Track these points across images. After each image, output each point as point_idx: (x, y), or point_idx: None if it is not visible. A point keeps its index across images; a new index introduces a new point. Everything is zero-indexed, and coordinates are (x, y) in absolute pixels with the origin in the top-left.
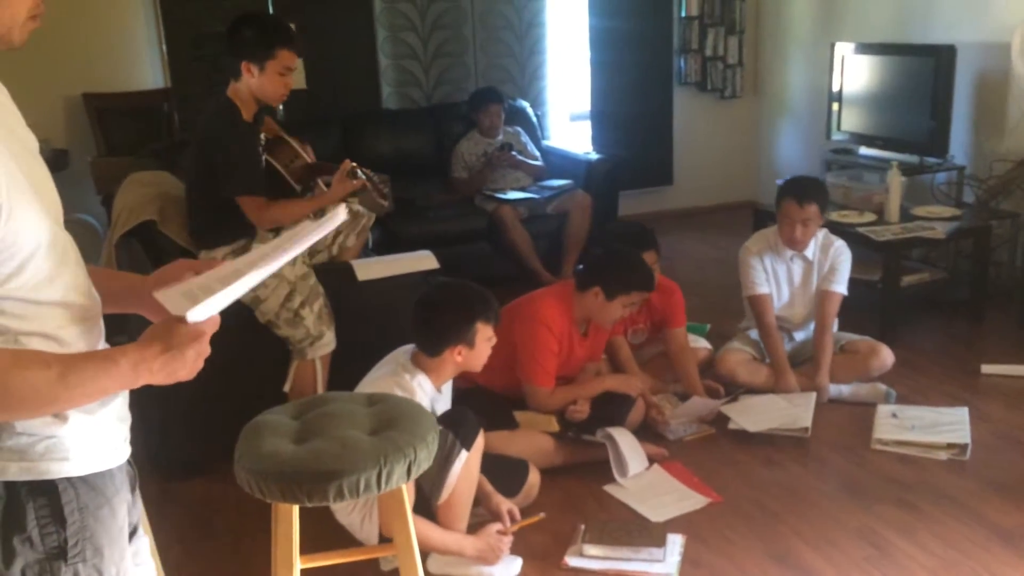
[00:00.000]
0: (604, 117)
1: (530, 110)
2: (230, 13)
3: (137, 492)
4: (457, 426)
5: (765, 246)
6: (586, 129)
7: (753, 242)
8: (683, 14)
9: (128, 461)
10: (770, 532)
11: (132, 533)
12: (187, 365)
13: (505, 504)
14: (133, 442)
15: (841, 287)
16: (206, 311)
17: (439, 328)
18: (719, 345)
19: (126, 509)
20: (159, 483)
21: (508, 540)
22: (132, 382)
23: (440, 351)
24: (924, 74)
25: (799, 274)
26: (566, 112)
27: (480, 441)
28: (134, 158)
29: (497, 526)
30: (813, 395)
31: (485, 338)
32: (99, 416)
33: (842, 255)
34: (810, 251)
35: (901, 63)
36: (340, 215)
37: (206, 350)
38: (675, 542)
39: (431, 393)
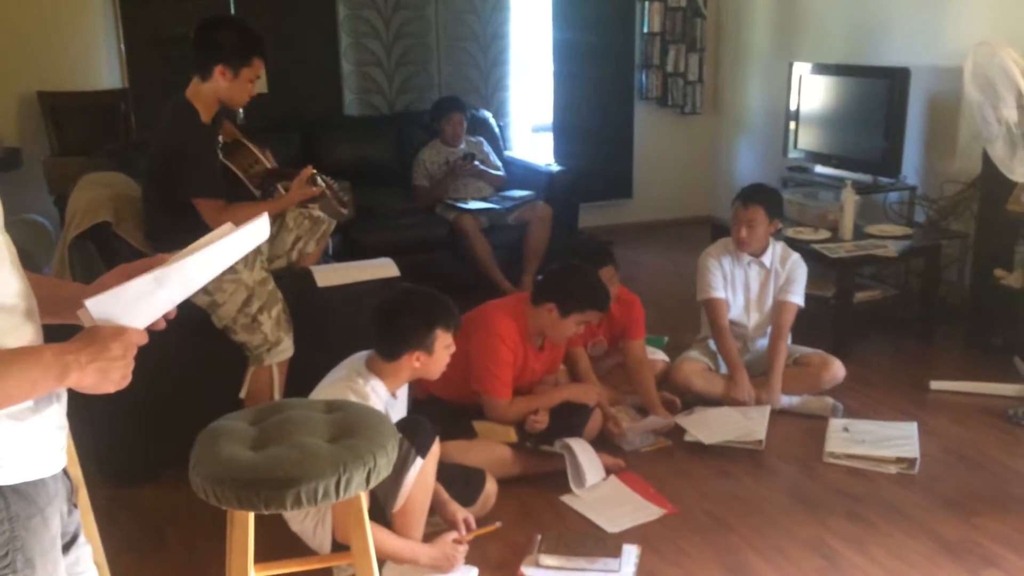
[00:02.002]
0: (566, 129)
1: (493, 120)
2: (190, 14)
3: (76, 501)
4: (413, 433)
5: (724, 251)
6: (548, 141)
7: (713, 247)
8: (645, 30)
9: (64, 471)
10: (724, 543)
11: (72, 542)
12: (116, 362)
13: (461, 513)
14: (82, 447)
15: (797, 298)
16: (107, 300)
17: (398, 332)
18: (676, 357)
19: (59, 519)
20: (108, 490)
21: (463, 549)
22: (61, 375)
23: (398, 356)
24: (879, 95)
25: (756, 281)
26: (528, 123)
27: (436, 449)
28: (88, 158)
29: (453, 535)
30: (767, 408)
31: (444, 345)
32: (30, 424)
33: (799, 268)
34: (767, 258)
35: (856, 84)
36: (264, 231)
37: (133, 347)
38: (630, 553)
39: (385, 398)
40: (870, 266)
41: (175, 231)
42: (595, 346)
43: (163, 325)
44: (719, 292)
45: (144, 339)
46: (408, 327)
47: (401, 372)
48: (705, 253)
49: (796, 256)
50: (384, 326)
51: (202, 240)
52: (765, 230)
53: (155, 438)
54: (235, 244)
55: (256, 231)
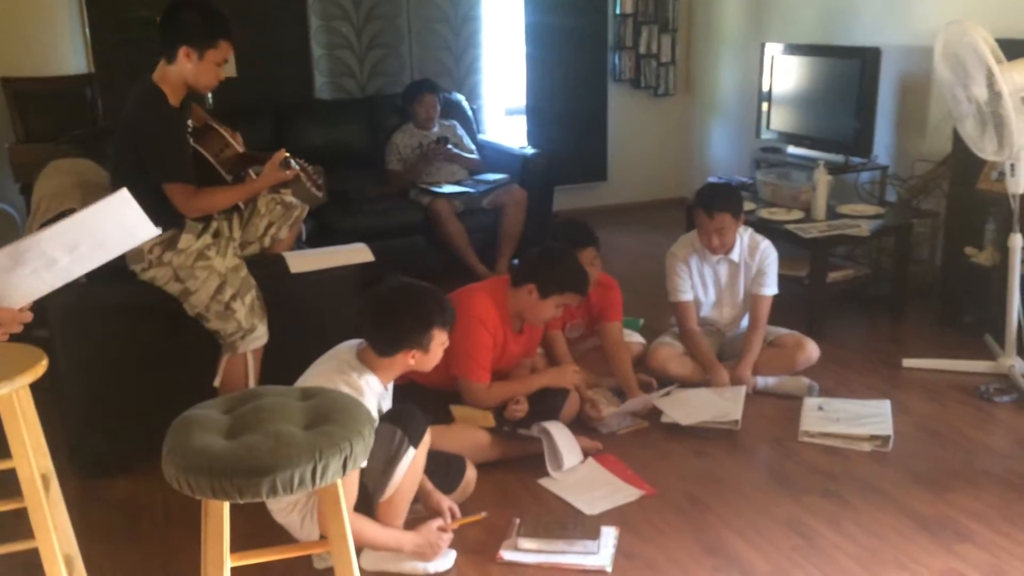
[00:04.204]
0: (539, 112)
1: (466, 103)
2: None
3: None
4: (406, 423)
5: (691, 250)
6: (521, 124)
7: (679, 247)
8: (617, 11)
9: None
10: (701, 523)
11: None
12: None
13: (446, 501)
14: (53, 440)
15: (771, 289)
16: None
17: (396, 331)
18: (652, 339)
19: None
20: (81, 482)
21: (448, 537)
22: None
23: (393, 353)
24: (850, 75)
25: (725, 275)
26: (501, 106)
27: (427, 439)
28: (54, 145)
29: (437, 522)
30: (743, 389)
31: (440, 343)
32: None
33: (769, 257)
34: (736, 253)
35: (828, 64)
36: (142, 226)
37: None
38: (609, 534)
39: (379, 391)
40: (843, 246)
41: None
42: (572, 328)
43: (29, 317)
44: (687, 295)
45: (13, 318)
46: (405, 327)
47: (395, 367)
48: (671, 254)
49: (765, 244)
50: (380, 323)
51: None
52: (734, 232)
53: (128, 429)
54: (98, 222)
55: (122, 212)
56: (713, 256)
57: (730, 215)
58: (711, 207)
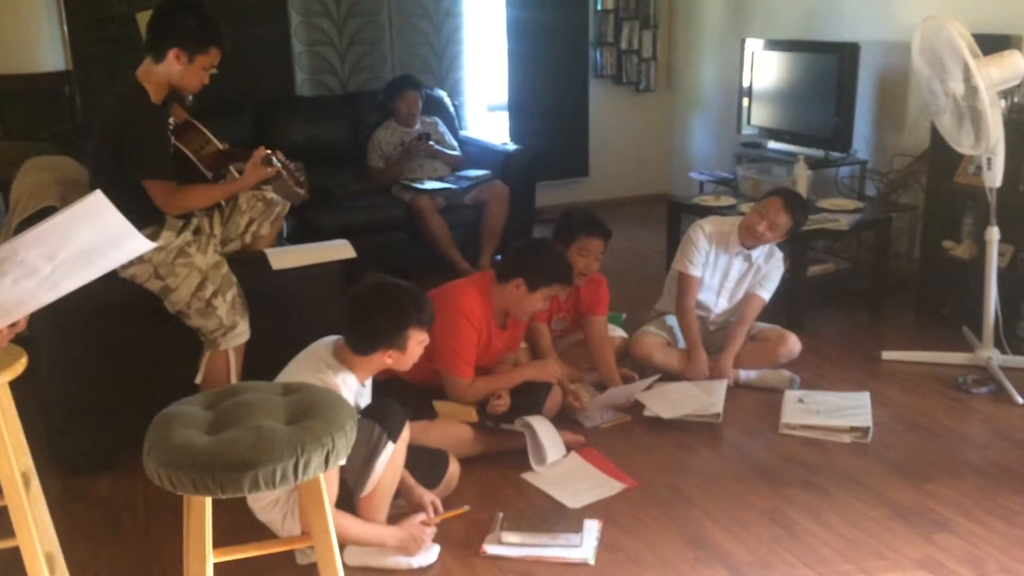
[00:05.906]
0: (521, 108)
1: (447, 100)
2: None
3: None
4: (384, 418)
5: (718, 234)
6: (503, 120)
7: (710, 223)
8: (599, 7)
9: None
10: (684, 516)
11: None
12: None
13: (428, 496)
14: (33, 438)
15: (767, 294)
16: None
17: (371, 331)
18: (634, 332)
19: None
20: (62, 480)
21: (431, 531)
22: None
23: (370, 352)
24: (829, 71)
25: (737, 271)
26: (483, 103)
27: (406, 433)
28: (32, 143)
29: (420, 517)
30: (724, 382)
31: (417, 342)
32: None
33: (777, 267)
34: (757, 252)
35: (808, 60)
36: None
37: None
38: (592, 527)
39: (356, 389)
40: (823, 240)
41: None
42: (558, 321)
43: (23, 325)
44: (696, 271)
45: (4, 337)
46: (381, 327)
47: (372, 366)
48: (698, 225)
49: (780, 255)
50: (356, 323)
51: None
52: (776, 237)
53: (109, 426)
54: (74, 226)
55: (99, 216)
56: (735, 248)
57: (791, 220)
58: (787, 204)
